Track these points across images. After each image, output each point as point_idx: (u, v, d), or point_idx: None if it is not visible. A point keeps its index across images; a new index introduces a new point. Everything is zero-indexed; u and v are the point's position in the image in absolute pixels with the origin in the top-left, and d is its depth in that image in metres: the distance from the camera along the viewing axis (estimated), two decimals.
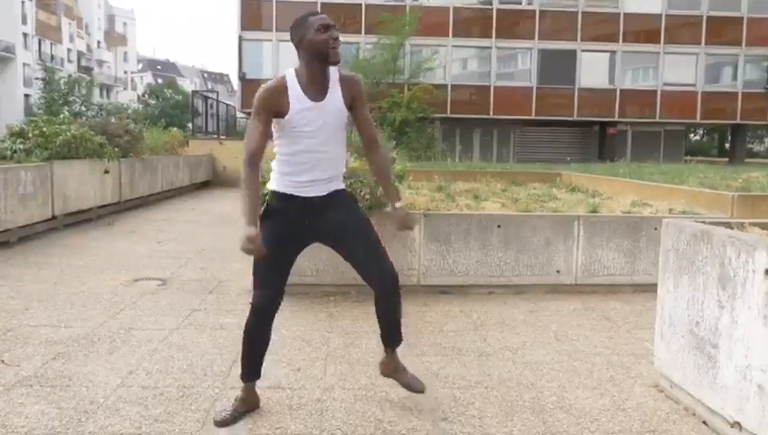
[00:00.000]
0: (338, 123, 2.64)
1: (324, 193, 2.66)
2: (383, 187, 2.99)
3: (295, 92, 2.55)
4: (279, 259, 2.66)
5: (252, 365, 2.79)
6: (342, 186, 2.78)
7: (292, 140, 2.59)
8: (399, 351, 2.97)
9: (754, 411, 2.46)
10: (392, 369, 2.94)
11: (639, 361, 3.62)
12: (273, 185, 2.70)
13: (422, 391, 2.89)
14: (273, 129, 2.62)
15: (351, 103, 2.67)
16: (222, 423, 2.69)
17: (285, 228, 2.65)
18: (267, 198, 2.73)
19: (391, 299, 2.80)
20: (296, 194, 2.63)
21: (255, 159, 2.56)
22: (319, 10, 2.69)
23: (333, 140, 2.65)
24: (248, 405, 2.80)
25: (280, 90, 2.54)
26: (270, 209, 2.67)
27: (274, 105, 2.54)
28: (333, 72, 2.61)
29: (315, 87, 2.57)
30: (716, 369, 2.71)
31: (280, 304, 2.72)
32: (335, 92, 2.61)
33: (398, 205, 2.78)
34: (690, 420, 2.86)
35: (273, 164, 2.71)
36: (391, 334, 2.89)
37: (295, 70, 2.60)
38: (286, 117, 2.54)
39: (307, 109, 2.55)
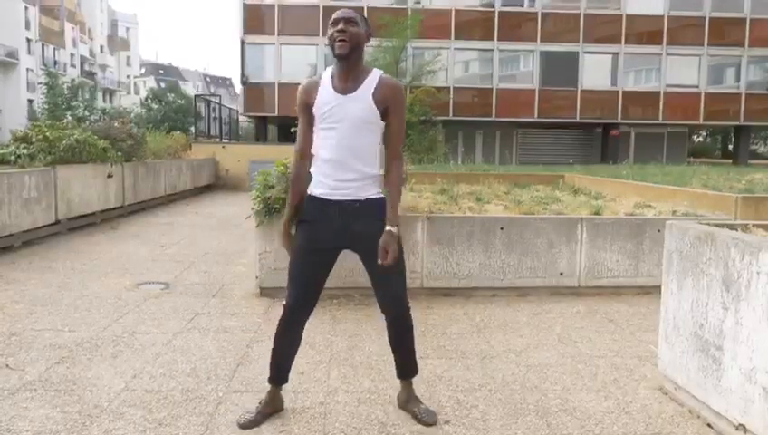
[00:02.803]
0: (364, 119, 2.61)
1: (354, 198, 2.64)
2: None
3: (325, 85, 2.64)
4: (309, 262, 2.70)
5: (276, 367, 2.82)
6: (378, 194, 2.70)
7: (319, 132, 2.66)
8: None
9: (759, 414, 2.45)
10: (403, 400, 2.92)
11: (644, 363, 3.61)
12: (309, 187, 2.74)
13: (431, 425, 2.77)
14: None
15: (386, 109, 2.63)
16: (246, 425, 2.72)
17: (316, 233, 2.68)
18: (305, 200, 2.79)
19: (396, 328, 2.80)
20: (327, 198, 2.65)
21: (301, 158, 2.75)
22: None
23: (358, 136, 2.61)
24: (273, 407, 2.84)
25: (312, 86, 2.68)
26: (305, 213, 2.73)
27: (307, 99, 2.68)
28: (375, 72, 2.66)
29: (342, 81, 2.63)
30: (721, 371, 2.70)
31: (311, 308, 2.76)
32: (367, 90, 2.61)
33: (387, 228, 2.62)
34: (695, 422, 2.85)
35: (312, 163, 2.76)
36: (400, 364, 2.88)
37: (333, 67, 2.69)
38: (313, 109, 2.64)
39: (331, 99, 2.61)
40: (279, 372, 2.84)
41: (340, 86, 2.61)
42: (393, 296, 2.76)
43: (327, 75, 2.67)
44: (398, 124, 2.69)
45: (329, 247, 2.73)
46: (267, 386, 2.87)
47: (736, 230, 2.98)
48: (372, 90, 2.61)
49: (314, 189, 2.70)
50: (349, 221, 2.65)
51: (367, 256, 2.72)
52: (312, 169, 2.73)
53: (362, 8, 26.22)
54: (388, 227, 2.62)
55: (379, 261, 2.58)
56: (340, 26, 2.57)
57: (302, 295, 2.72)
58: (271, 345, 2.83)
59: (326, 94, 2.62)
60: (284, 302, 2.75)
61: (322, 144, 2.65)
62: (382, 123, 2.65)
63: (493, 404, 3.01)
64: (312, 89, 2.66)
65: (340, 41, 2.56)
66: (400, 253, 2.71)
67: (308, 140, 2.73)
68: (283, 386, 2.89)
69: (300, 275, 2.72)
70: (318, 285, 2.75)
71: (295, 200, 2.74)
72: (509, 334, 4.14)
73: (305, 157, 2.74)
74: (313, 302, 2.77)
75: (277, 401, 2.87)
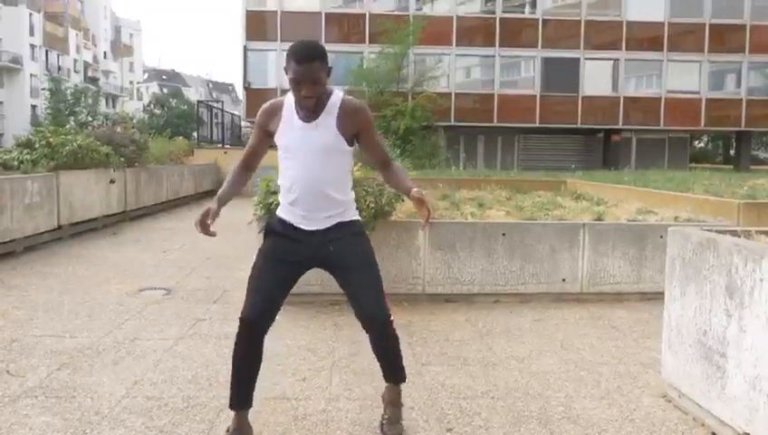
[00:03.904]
0: (328, 147, 2.51)
1: (323, 227, 2.57)
2: (398, 183, 2.72)
3: (289, 112, 2.53)
4: (274, 273, 2.58)
5: (239, 389, 2.57)
6: (350, 217, 2.65)
7: (285, 162, 2.57)
8: (404, 361, 2.92)
9: (764, 422, 2.43)
10: (387, 401, 2.80)
11: (647, 370, 3.60)
12: (278, 211, 2.69)
13: None
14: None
15: (357, 132, 2.56)
16: None
17: (281, 248, 2.60)
18: (273, 217, 2.75)
19: (377, 340, 2.64)
20: (294, 224, 2.58)
21: (245, 166, 2.71)
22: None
23: (325, 165, 2.52)
24: None
25: (275, 109, 2.57)
26: (271, 227, 2.68)
27: (267, 123, 2.58)
28: (336, 95, 2.52)
29: (306, 109, 2.49)
30: (725, 379, 2.69)
31: (269, 323, 2.55)
32: (330, 118, 2.50)
33: (414, 188, 2.57)
34: (699, 430, 2.83)
35: (280, 188, 2.69)
36: (387, 371, 2.77)
37: None
38: (276, 135, 2.56)
39: (294, 127, 2.51)
40: (241, 394, 2.57)
41: (303, 113, 2.49)
42: (374, 307, 2.56)
43: (290, 98, 2.52)
44: (374, 141, 2.65)
45: (295, 261, 2.61)
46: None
47: (739, 237, 2.97)
48: (336, 117, 2.50)
49: (283, 215, 2.63)
50: (321, 243, 2.56)
51: (338, 274, 2.62)
52: (281, 196, 2.65)
53: (364, 14, 26.35)
54: (415, 188, 2.56)
55: (421, 226, 2.57)
56: (305, 92, 2.38)
57: (260, 308, 2.51)
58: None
59: (289, 122, 2.51)
60: (240, 315, 2.54)
61: (288, 174, 2.56)
62: (349, 148, 2.58)
63: (495, 411, 3.00)
64: (273, 113, 2.55)
65: (310, 102, 2.43)
66: (375, 260, 2.65)
67: (254, 155, 2.69)
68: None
69: (262, 285, 2.54)
70: (279, 299, 2.57)
71: (229, 197, 2.63)
72: (511, 341, 4.12)
73: (249, 167, 2.71)
74: (272, 317, 2.55)
75: (245, 429, 2.59)
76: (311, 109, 2.46)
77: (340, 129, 2.51)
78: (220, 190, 2.65)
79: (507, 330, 4.38)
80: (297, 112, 2.51)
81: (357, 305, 2.59)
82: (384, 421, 2.74)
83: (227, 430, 2.60)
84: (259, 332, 2.54)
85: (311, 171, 2.51)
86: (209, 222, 2.52)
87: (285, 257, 2.59)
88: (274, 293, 2.56)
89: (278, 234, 2.63)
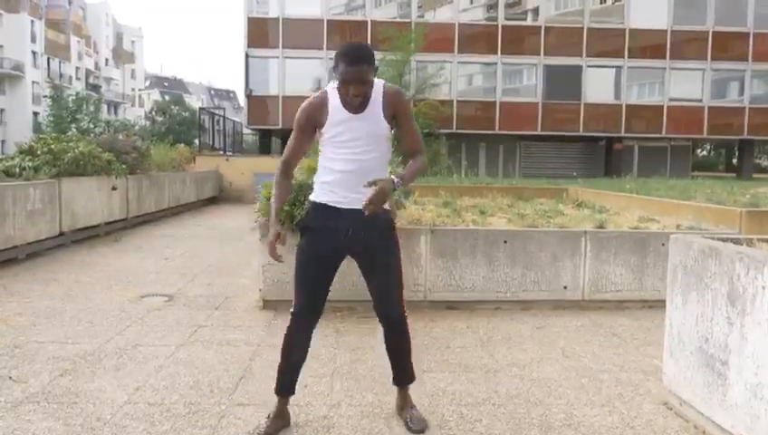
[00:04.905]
0: (377, 134, 2.69)
1: (359, 207, 2.65)
2: (406, 168, 2.87)
3: (334, 104, 2.66)
4: (314, 269, 2.74)
5: (285, 377, 2.82)
6: (385, 207, 2.75)
7: (332, 149, 2.70)
8: None
9: (765, 430, 2.43)
10: (399, 407, 2.97)
11: (648, 378, 3.59)
12: (313, 196, 2.79)
13: (418, 432, 2.81)
14: (318, 141, 2.76)
15: (394, 116, 2.72)
16: None
17: (322, 240, 2.73)
18: (306, 209, 2.88)
19: (393, 338, 2.87)
20: (336, 205, 2.70)
21: (287, 167, 2.83)
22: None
23: (372, 152, 2.69)
24: (281, 422, 2.82)
25: (320, 103, 2.70)
26: (310, 221, 2.78)
27: (314, 118, 2.71)
28: (377, 85, 2.67)
29: (353, 106, 2.64)
30: (726, 386, 2.69)
31: (317, 315, 2.79)
32: (376, 106, 2.67)
33: (392, 176, 2.67)
34: None
35: (316, 177, 2.81)
36: (396, 371, 2.94)
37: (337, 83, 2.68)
38: (324, 127, 2.68)
39: (343, 119, 2.65)
40: (286, 383, 2.83)
41: (350, 105, 2.64)
42: (394, 306, 2.82)
43: (333, 93, 2.67)
44: (409, 124, 2.82)
45: (334, 254, 2.77)
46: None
47: (741, 245, 2.97)
48: (381, 105, 2.67)
49: (322, 198, 2.75)
50: (358, 227, 2.69)
51: (368, 264, 2.81)
52: (320, 180, 2.78)
53: (366, 21, 26.45)
54: (393, 176, 2.68)
55: (362, 204, 2.56)
56: (352, 90, 2.56)
57: (308, 302, 2.75)
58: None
59: (338, 114, 2.66)
60: (291, 310, 2.78)
61: (335, 159, 2.70)
62: (391, 133, 2.74)
63: (497, 418, 3.00)
64: (320, 107, 2.69)
65: (358, 101, 2.59)
66: (398, 261, 2.83)
67: (298, 154, 2.85)
68: (290, 400, 2.88)
69: (306, 282, 2.75)
70: (324, 292, 2.79)
71: (279, 208, 2.78)
72: (513, 348, 4.12)
73: (291, 167, 2.87)
74: (320, 308, 2.79)
75: (285, 415, 2.85)
76: (358, 105, 2.62)
77: (385, 115, 2.68)
78: (273, 210, 2.77)
79: (508, 337, 4.38)
80: (344, 105, 2.64)
81: (375, 302, 2.86)
82: (408, 420, 2.88)
83: (268, 416, 2.81)
84: (307, 325, 2.78)
85: (358, 158, 2.67)
86: (271, 247, 2.68)
87: (322, 252, 2.74)
88: (317, 288, 2.76)
89: (312, 229, 2.76)
